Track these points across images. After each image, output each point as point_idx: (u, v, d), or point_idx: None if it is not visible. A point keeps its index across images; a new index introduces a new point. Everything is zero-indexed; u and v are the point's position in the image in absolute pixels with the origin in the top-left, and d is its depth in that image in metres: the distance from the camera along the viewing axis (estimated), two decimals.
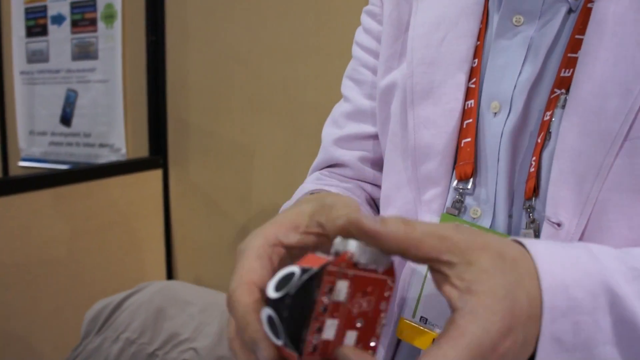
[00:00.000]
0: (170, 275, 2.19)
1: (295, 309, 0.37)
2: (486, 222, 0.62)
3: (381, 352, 0.66)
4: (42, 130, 2.28)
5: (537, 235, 0.58)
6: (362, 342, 0.39)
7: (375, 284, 0.40)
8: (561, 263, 0.43)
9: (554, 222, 0.55)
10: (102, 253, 1.95)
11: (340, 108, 0.83)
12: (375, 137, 0.77)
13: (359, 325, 0.39)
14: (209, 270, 2.11)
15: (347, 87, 0.83)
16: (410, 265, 0.63)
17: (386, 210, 0.72)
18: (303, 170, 1.82)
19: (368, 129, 0.78)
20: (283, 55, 1.82)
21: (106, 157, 2.18)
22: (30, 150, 2.31)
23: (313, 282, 0.37)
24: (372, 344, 0.40)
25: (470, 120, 0.63)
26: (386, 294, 0.41)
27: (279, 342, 0.37)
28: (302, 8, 1.76)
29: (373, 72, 0.79)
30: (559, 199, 0.55)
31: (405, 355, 0.67)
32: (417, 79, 0.67)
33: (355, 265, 0.39)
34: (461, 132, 0.64)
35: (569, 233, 0.54)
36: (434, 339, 0.60)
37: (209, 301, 1.43)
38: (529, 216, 0.58)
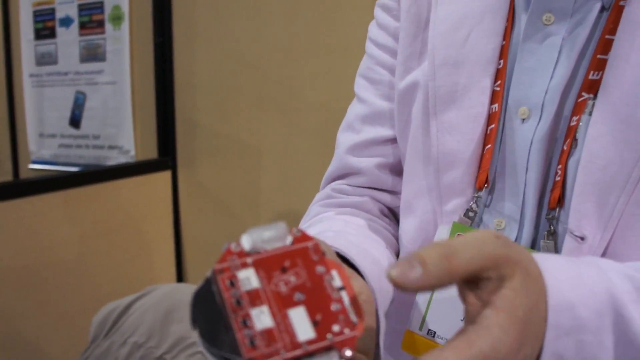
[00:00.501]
0: (180, 277, 2.19)
1: (206, 319, 0.36)
2: (511, 235, 0.59)
3: None
4: (51, 133, 2.28)
5: (558, 247, 0.55)
6: (320, 311, 0.37)
7: (291, 256, 0.38)
8: (569, 280, 0.42)
9: (577, 236, 0.52)
10: (111, 255, 1.95)
11: (355, 110, 0.77)
12: (393, 140, 0.73)
13: (299, 298, 0.37)
14: None
15: (362, 86, 0.77)
16: None
17: (407, 219, 0.68)
18: (310, 170, 1.83)
19: (386, 132, 0.73)
20: (290, 55, 1.81)
21: (115, 159, 2.18)
22: (40, 153, 2.32)
23: (210, 286, 0.37)
24: (334, 307, 0.37)
25: (493, 125, 0.60)
26: (315, 258, 0.38)
27: (220, 357, 0.35)
28: (308, 8, 1.75)
29: (390, 71, 0.74)
30: (583, 211, 0.52)
31: None
32: (440, 81, 0.63)
33: (249, 252, 0.37)
34: (485, 139, 0.61)
35: (592, 247, 0.52)
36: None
37: None
38: (550, 227, 0.56)
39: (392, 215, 0.76)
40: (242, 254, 0.37)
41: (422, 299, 0.60)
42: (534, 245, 0.57)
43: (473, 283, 0.39)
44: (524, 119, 0.58)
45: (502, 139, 0.60)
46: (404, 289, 0.37)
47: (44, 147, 2.31)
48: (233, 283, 0.36)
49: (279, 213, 1.92)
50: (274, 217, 1.94)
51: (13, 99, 2.40)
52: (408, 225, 0.68)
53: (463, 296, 0.40)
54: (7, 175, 2.38)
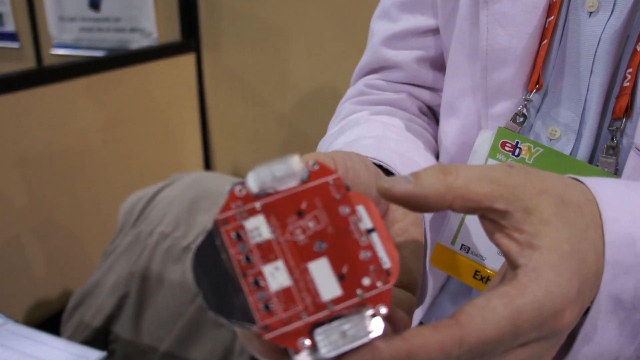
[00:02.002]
0: (207, 162, 2.19)
1: (211, 279, 0.30)
2: (567, 147, 0.52)
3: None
4: (71, 16, 2.23)
5: (619, 165, 0.49)
6: (346, 262, 0.31)
7: (308, 196, 0.32)
8: (631, 211, 0.36)
9: None
10: (137, 141, 1.95)
11: None
12: (435, 31, 0.65)
13: (320, 248, 0.31)
14: (246, 156, 2.10)
15: None
16: None
17: (448, 120, 0.62)
18: (339, 52, 1.77)
19: (427, 21, 0.65)
20: None
21: (138, 42, 2.13)
22: (62, 38, 2.27)
23: (213, 240, 0.31)
24: (363, 255, 0.31)
25: (552, 17, 0.52)
26: (337, 196, 0.32)
27: (231, 325, 0.30)
28: None
29: None
30: None
31: (451, 295, 0.62)
32: None
33: (258, 195, 0.31)
34: (543, 33, 0.52)
35: None
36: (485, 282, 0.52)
37: None
38: (613, 140, 0.49)
39: (432, 114, 0.70)
40: (249, 197, 0.31)
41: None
42: (591, 160, 0.51)
43: (495, 222, 0.34)
44: (591, 12, 0.50)
45: (564, 35, 0.52)
46: (390, 199, 0.33)
47: (65, 31, 2.26)
48: (240, 235, 0.30)
49: (307, 97, 1.88)
50: (301, 101, 1.90)
51: None
52: (449, 127, 0.62)
53: (491, 238, 0.35)
54: (30, 62, 2.35)
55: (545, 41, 0.52)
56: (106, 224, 1.74)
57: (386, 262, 0.31)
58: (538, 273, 0.32)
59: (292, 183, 0.32)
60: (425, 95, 0.68)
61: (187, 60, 2.06)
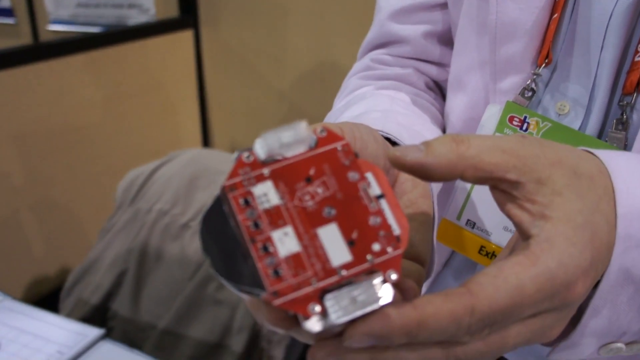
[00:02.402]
0: (205, 139, 2.18)
1: (219, 246, 0.30)
2: (575, 122, 0.51)
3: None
4: None
5: (629, 140, 0.48)
6: (356, 228, 0.30)
7: (317, 162, 0.31)
8: None
9: None
10: (136, 118, 1.93)
11: None
12: (443, 5, 0.64)
13: (329, 214, 0.30)
14: (244, 133, 2.09)
15: None
16: None
17: (455, 95, 0.61)
18: (338, 29, 1.75)
19: None
20: None
21: (136, 18, 2.11)
22: (58, 13, 2.24)
23: (221, 207, 0.30)
24: (373, 220, 0.31)
25: None
26: (346, 162, 0.32)
27: (239, 292, 0.30)
28: None
29: None
30: None
31: (455, 270, 0.62)
32: None
33: (266, 161, 0.31)
34: (554, 7, 0.51)
35: None
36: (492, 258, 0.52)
37: None
38: (623, 115, 0.48)
39: (439, 89, 0.69)
40: (257, 164, 0.31)
41: (461, 185, 0.54)
42: (600, 136, 0.51)
43: (507, 193, 0.34)
44: None
45: (574, 9, 0.51)
46: (401, 167, 0.32)
47: (62, 6, 2.23)
48: (248, 201, 0.30)
49: (306, 74, 1.87)
50: (300, 78, 1.88)
51: None
52: (457, 102, 0.61)
53: (503, 209, 0.35)
54: (26, 38, 2.33)
55: (555, 15, 0.51)
56: (104, 201, 1.73)
57: (396, 229, 0.31)
58: (551, 243, 0.31)
59: (300, 149, 0.31)
60: (432, 70, 0.67)
61: (185, 37, 2.04)
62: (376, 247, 0.30)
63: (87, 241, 1.75)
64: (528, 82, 0.53)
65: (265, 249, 0.29)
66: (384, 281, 0.30)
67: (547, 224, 0.32)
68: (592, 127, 0.51)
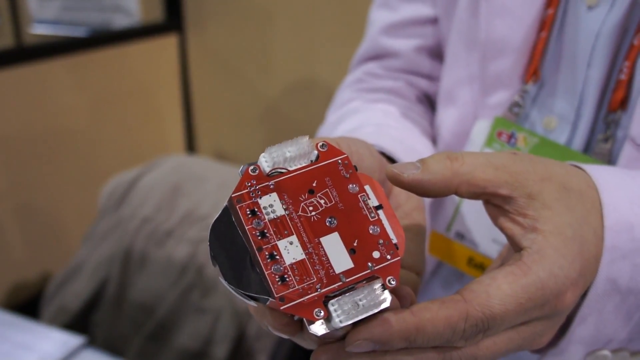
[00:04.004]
0: (190, 145, 2.17)
1: (227, 254, 0.31)
2: (561, 137, 0.52)
3: None
4: None
5: (613, 155, 0.49)
6: (357, 237, 0.32)
7: (319, 175, 0.33)
8: (629, 199, 0.38)
9: (638, 144, 0.46)
10: (120, 123, 1.92)
11: None
12: (433, 21, 0.65)
13: (331, 224, 0.32)
14: (229, 141, 2.09)
15: None
16: None
17: (446, 110, 0.62)
18: (325, 36, 1.75)
19: (426, 11, 0.65)
20: None
21: (120, 22, 2.10)
22: (42, 16, 2.23)
23: (229, 217, 0.32)
24: (373, 230, 0.32)
25: (551, 10, 0.52)
26: (346, 174, 0.34)
27: (247, 299, 0.31)
28: None
29: None
30: None
31: (443, 279, 0.62)
32: None
33: (271, 175, 0.33)
34: (541, 25, 0.53)
35: None
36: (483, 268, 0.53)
37: (227, 177, 1.41)
38: (608, 131, 0.49)
39: (429, 102, 0.69)
40: (262, 177, 0.33)
41: (451, 197, 0.54)
42: (586, 150, 0.52)
43: (500, 207, 0.36)
44: (591, 5, 0.50)
45: (562, 28, 0.52)
46: (399, 184, 0.35)
47: (45, 9, 2.22)
48: (255, 212, 0.32)
49: (291, 81, 1.87)
50: (286, 85, 1.88)
51: None
52: (447, 116, 0.62)
53: (496, 223, 0.37)
54: (8, 40, 2.31)
55: (543, 33, 0.52)
56: (87, 207, 1.72)
57: (394, 238, 0.33)
58: (542, 255, 0.33)
59: (303, 163, 0.33)
60: (423, 84, 0.68)
61: (171, 41, 2.03)
62: (376, 254, 0.32)
63: (69, 247, 1.73)
64: (516, 98, 0.54)
65: (272, 257, 0.31)
66: (384, 287, 0.31)
67: (538, 237, 0.34)
68: (578, 142, 0.52)
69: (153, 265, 1.27)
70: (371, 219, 0.33)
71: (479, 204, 0.38)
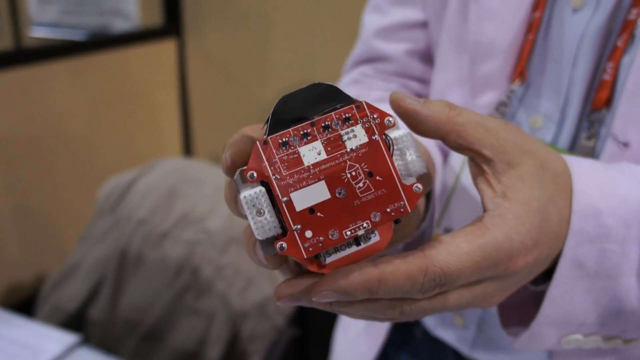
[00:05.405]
0: (188, 148, 2.18)
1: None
2: (547, 136, 0.54)
3: None
4: None
5: (596, 152, 0.51)
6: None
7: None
8: (599, 187, 0.40)
9: (620, 142, 0.48)
10: (118, 125, 1.93)
11: None
12: (423, 25, 0.67)
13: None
14: (226, 142, 2.10)
15: None
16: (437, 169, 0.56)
17: None
18: (323, 40, 1.77)
19: (416, 15, 0.67)
20: None
21: (119, 26, 2.11)
22: (41, 19, 2.24)
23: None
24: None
25: (537, 14, 0.54)
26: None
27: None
28: None
29: None
30: (631, 115, 0.47)
31: None
32: None
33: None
34: (528, 28, 0.55)
35: (635, 155, 0.48)
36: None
37: (223, 180, 1.42)
38: (591, 129, 0.51)
39: None
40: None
41: (439, 194, 0.55)
42: (572, 149, 0.53)
43: (480, 167, 0.38)
44: (576, 8, 0.52)
45: (548, 30, 0.54)
46: (398, 109, 0.37)
47: (45, 12, 2.23)
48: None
49: (289, 85, 1.88)
50: (283, 89, 1.89)
51: None
52: None
53: (474, 179, 0.39)
54: (8, 42, 2.32)
55: (530, 35, 0.54)
56: (83, 208, 1.72)
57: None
58: (502, 219, 0.36)
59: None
60: (416, 86, 0.69)
61: (169, 46, 2.04)
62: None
63: (65, 248, 1.74)
64: (502, 98, 0.55)
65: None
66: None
67: (504, 202, 0.36)
68: (564, 140, 0.53)
69: (148, 266, 1.28)
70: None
71: (467, 201, 0.39)
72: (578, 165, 0.41)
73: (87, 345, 0.95)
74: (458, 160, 0.53)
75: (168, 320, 1.26)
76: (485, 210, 0.37)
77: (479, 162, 0.38)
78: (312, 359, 1.55)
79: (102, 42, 1.87)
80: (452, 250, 0.34)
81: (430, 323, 0.65)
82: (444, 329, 0.63)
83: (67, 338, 0.94)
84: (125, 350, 1.28)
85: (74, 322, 1.31)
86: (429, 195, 0.50)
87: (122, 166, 1.70)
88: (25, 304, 1.64)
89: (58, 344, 0.92)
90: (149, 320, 1.26)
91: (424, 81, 0.69)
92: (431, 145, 0.53)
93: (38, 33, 2.25)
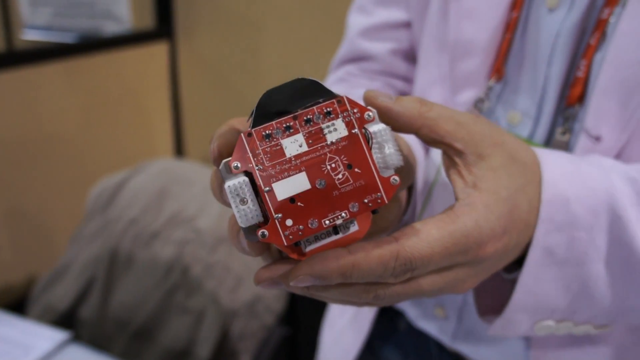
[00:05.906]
0: (179, 150, 2.19)
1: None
2: (524, 131, 0.56)
3: None
4: (44, 0, 2.20)
5: (570, 146, 0.52)
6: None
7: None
8: (568, 177, 0.41)
9: (592, 136, 0.49)
10: (110, 128, 1.94)
11: None
12: (407, 25, 0.68)
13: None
14: None
15: None
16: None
17: None
18: (313, 43, 1.78)
19: (400, 15, 0.68)
20: None
21: (111, 29, 2.12)
22: (33, 22, 2.25)
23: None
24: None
25: (515, 13, 0.55)
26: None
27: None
28: None
29: None
30: (603, 110, 0.49)
31: None
32: None
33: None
34: (506, 27, 0.56)
35: (606, 149, 0.49)
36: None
37: None
38: (566, 124, 0.53)
39: None
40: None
41: (421, 190, 0.57)
42: (548, 143, 0.55)
43: (451, 159, 0.39)
44: (551, 8, 0.53)
45: (525, 29, 0.56)
46: (372, 105, 0.38)
47: (37, 15, 2.23)
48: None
49: None
50: None
51: None
52: None
53: (446, 171, 0.40)
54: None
55: (507, 34, 0.56)
56: (74, 209, 1.73)
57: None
58: (472, 207, 0.37)
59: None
60: (400, 85, 0.71)
61: (161, 48, 2.05)
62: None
63: (55, 249, 1.74)
64: (480, 95, 0.57)
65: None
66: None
67: (475, 192, 0.38)
68: (540, 135, 0.55)
69: (139, 266, 1.29)
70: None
71: (448, 194, 0.41)
72: (547, 156, 0.42)
73: (77, 342, 0.95)
74: (439, 155, 0.54)
75: (158, 319, 1.26)
76: (456, 199, 0.38)
77: (451, 154, 0.39)
78: (301, 357, 1.56)
79: (94, 44, 1.87)
80: (422, 236, 0.36)
81: (413, 315, 0.66)
82: (426, 321, 0.64)
83: (57, 335, 0.94)
84: (115, 349, 1.28)
85: (65, 321, 1.31)
86: (410, 189, 0.52)
87: (114, 168, 1.70)
88: (16, 306, 1.64)
89: (49, 341, 0.93)
90: (139, 319, 1.27)
91: (408, 79, 0.70)
92: (413, 141, 0.54)
93: (30, 36, 2.26)
